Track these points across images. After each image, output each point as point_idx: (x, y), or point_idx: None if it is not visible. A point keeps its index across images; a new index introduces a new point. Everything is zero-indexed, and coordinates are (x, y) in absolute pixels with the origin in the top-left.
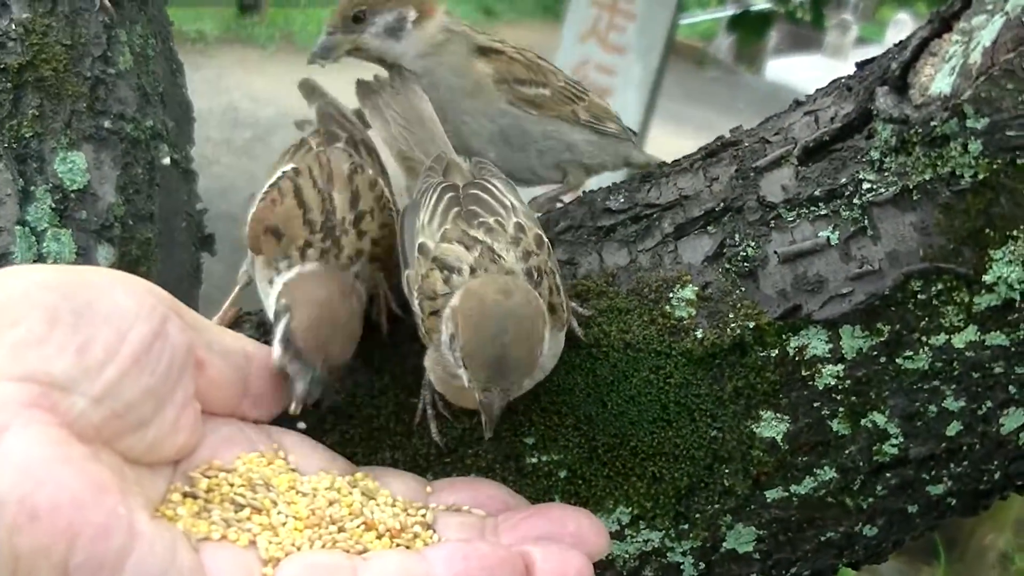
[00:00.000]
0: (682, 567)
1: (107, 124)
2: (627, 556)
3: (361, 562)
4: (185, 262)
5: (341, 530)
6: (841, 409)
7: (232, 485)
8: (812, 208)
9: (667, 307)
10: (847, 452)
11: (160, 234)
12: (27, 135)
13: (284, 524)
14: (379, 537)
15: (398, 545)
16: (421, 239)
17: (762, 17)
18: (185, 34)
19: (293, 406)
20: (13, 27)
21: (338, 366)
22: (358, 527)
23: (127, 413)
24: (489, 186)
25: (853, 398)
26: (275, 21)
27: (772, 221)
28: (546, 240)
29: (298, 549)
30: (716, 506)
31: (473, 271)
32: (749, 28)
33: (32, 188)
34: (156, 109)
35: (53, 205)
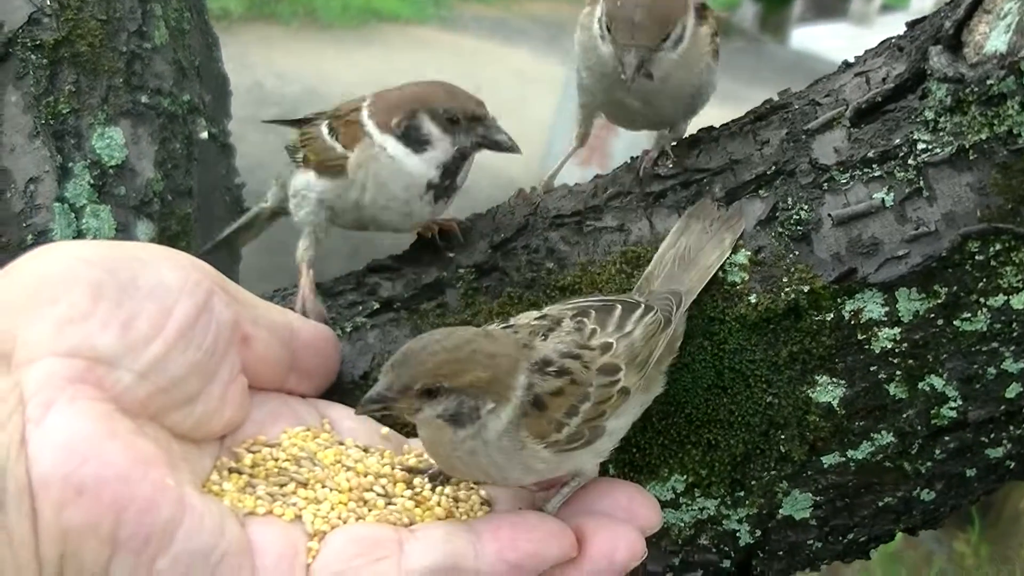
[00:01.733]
0: (738, 535)
1: (144, 99)
2: (682, 524)
3: (408, 534)
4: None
5: (389, 503)
6: (898, 373)
7: (277, 460)
8: (866, 170)
9: (720, 273)
10: (904, 416)
11: (199, 209)
12: (64, 111)
13: (329, 498)
14: (429, 510)
15: (449, 517)
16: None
17: None
18: (210, 11)
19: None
20: (48, 2)
21: None
22: (408, 500)
23: (173, 388)
24: (635, 308)
25: (910, 361)
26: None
27: (825, 184)
28: (623, 380)
29: (344, 522)
30: (772, 473)
31: (515, 331)
32: None
33: (70, 164)
34: (193, 83)
35: (92, 181)
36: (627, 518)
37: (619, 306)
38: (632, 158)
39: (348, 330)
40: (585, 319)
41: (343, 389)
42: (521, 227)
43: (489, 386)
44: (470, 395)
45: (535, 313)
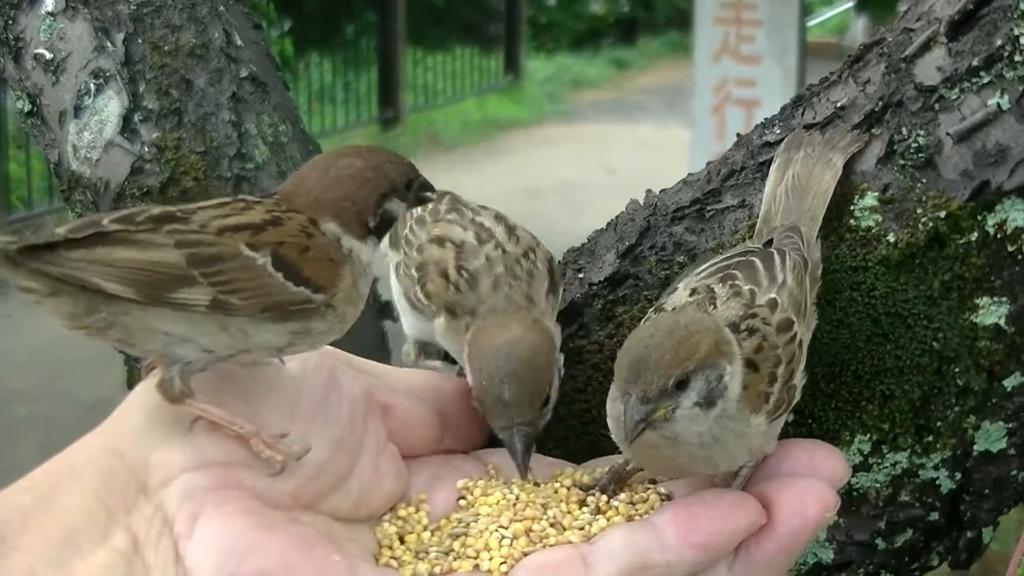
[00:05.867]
0: (938, 482)
1: None
2: (879, 485)
3: (589, 548)
4: (369, 332)
5: (566, 527)
6: None
7: (448, 519)
8: (974, 79)
9: (851, 221)
10: None
11: None
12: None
13: (503, 539)
14: (609, 520)
15: (630, 517)
16: (679, 283)
17: None
18: None
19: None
20: (146, 150)
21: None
22: (586, 516)
23: (319, 472)
24: (774, 256)
25: None
26: (417, 126)
27: (936, 104)
28: (798, 331)
29: (525, 556)
30: (956, 410)
31: (673, 310)
32: (878, 3)
33: None
34: None
35: None
36: (810, 473)
37: (756, 259)
38: (738, 135)
39: None
40: (736, 281)
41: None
42: (643, 229)
43: (718, 349)
44: (711, 367)
45: (683, 293)
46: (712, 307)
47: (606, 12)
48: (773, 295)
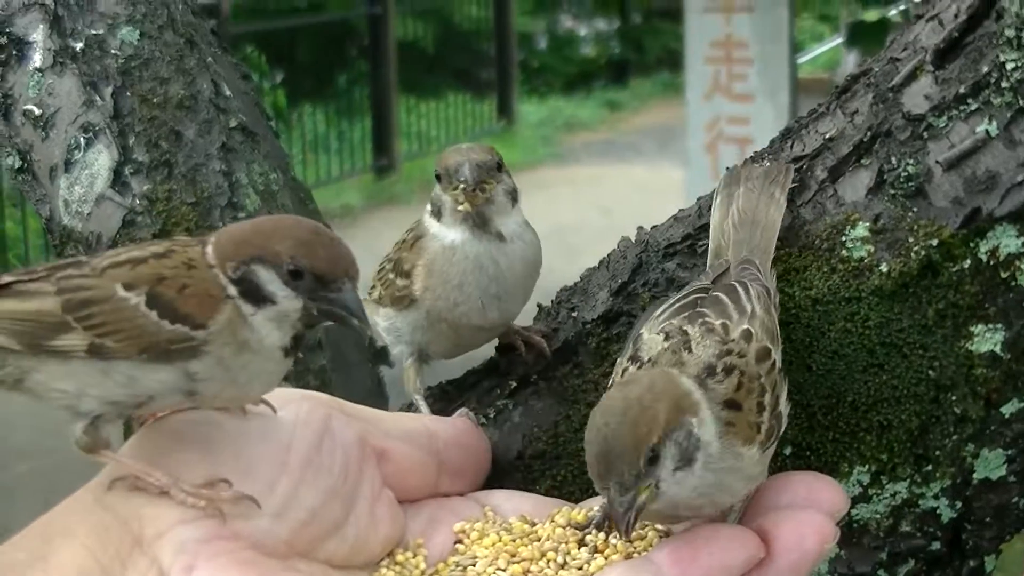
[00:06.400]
0: (938, 511)
1: None
2: (879, 516)
3: None
4: (365, 379)
5: (563, 568)
6: None
7: (445, 563)
8: (962, 106)
9: (843, 252)
10: None
11: (333, 359)
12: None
13: None
14: (607, 560)
15: (629, 556)
16: (642, 329)
17: (877, 23)
18: (332, 211)
19: None
20: (137, 202)
21: None
22: (584, 554)
23: (314, 520)
24: (738, 289)
25: None
26: (411, 174)
27: (924, 132)
28: (776, 358)
29: None
30: (954, 438)
31: (652, 364)
32: (868, 37)
33: None
34: None
35: None
36: (808, 505)
37: (720, 294)
38: (728, 168)
39: (492, 415)
40: (706, 319)
41: (502, 473)
42: (636, 267)
43: (678, 408)
44: (677, 428)
45: (657, 339)
46: (687, 351)
47: (597, 54)
48: (746, 326)
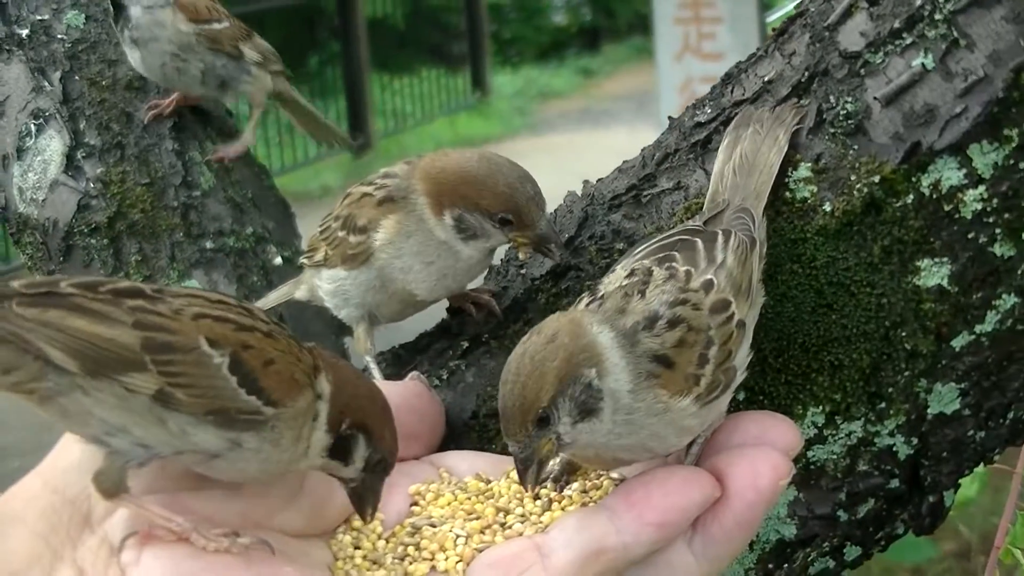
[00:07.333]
0: (895, 448)
1: (209, 244)
2: (836, 456)
3: (544, 538)
4: (328, 349)
5: (520, 520)
6: (998, 231)
7: (402, 525)
8: (897, 41)
9: (787, 193)
10: (1020, 272)
11: (295, 330)
12: (137, 282)
13: (458, 539)
14: (563, 510)
15: (584, 506)
16: (619, 263)
17: None
18: (311, 192)
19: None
20: (91, 186)
21: None
22: (539, 507)
23: (268, 492)
24: (718, 237)
25: (1006, 215)
26: (389, 151)
27: (861, 69)
28: (736, 312)
29: (479, 553)
30: (906, 374)
31: (603, 299)
32: None
33: None
34: (252, 215)
35: None
36: (762, 444)
37: (698, 239)
38: (670, 118)
39: (445, 377)
40: (673, 263)
41: (457, 434)
42: (582, 220)
43: (573, 364)
44: (570, 384)
45: (622, 273)
46: (639, 295)
47: (568, 22)
48: (710, 276)
